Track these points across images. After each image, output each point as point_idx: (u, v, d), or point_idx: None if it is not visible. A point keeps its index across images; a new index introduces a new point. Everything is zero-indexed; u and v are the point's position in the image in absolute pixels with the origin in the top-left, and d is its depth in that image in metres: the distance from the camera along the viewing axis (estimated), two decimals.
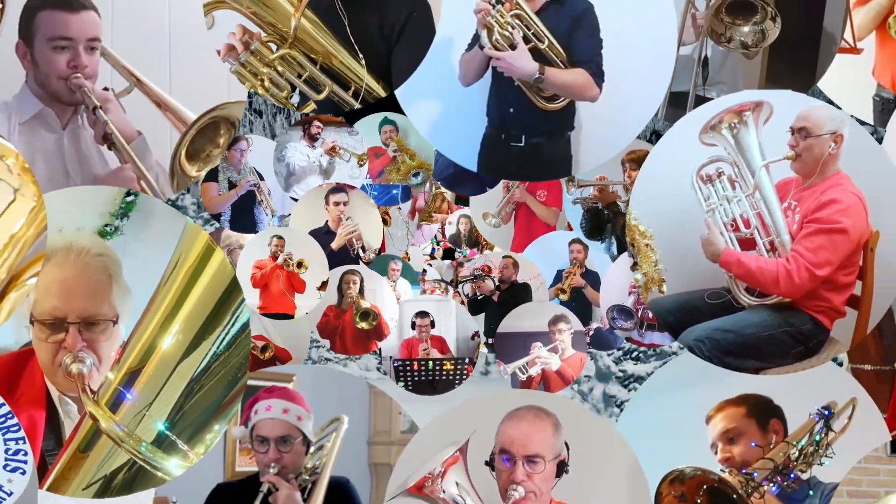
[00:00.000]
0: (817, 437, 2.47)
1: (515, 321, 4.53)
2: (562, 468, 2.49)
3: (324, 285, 4.35)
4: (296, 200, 4.42)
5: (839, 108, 2.60)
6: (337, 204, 4.61)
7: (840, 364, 2.64)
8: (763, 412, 2.59)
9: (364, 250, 4.73)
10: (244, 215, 4.19)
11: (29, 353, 2.41)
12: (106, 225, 2.48)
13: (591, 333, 4.63)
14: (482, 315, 5.06)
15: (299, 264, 4.24)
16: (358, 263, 4.62)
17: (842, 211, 2.45)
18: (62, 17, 2.57)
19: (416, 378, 4.47)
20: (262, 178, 4.17)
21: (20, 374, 2.40)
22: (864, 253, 2.47)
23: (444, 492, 2.44)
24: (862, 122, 2.67)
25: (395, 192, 4.67)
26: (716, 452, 2.55)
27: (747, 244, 2.52)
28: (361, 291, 4.66)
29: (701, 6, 2.61)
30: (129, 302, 2.40)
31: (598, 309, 4.51)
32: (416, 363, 4.54)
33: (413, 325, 4.66)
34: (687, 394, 2.60)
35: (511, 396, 2.81)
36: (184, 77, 2.64)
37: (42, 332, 2.36)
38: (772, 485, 2.45)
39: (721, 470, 2.48)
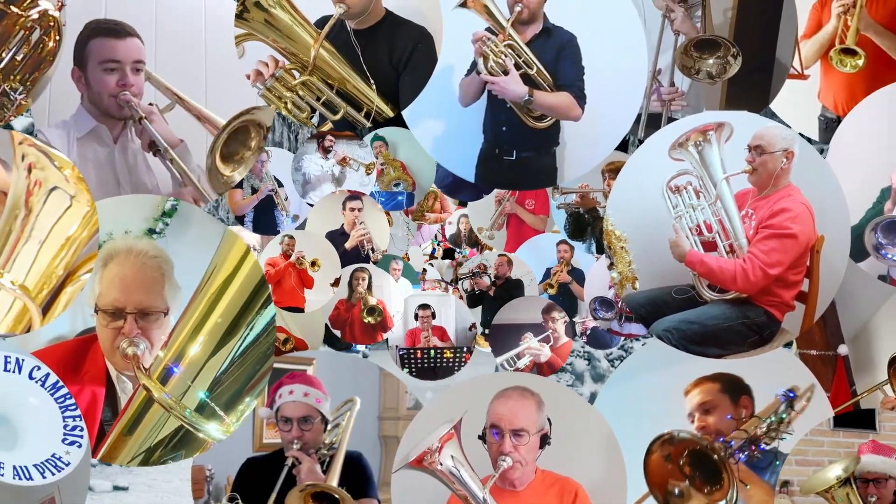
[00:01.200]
0: (783, 416, 2.70)
1: (509, 313, 4.80)
2: (545, 440, 2.72)
3: (337, 282, 4.65)
4: (311, 205, 4.69)
5: (789, 127, 2.83)
6: (353, 210, 4.95)
7: (790, 350, 2.89)
8: (735, 389, 2.79)
9: (373, 251, 5.04)
10: (265, 217, 4.49)
11: (92, 338, 2.68)
12: (149, 228, 2.74)
13: (587, 332, 4.90)
14: (479, 308, 5.36)
15: (313, 263, 4.53)
16: (369, 262, 4.93)
17: (792, 218, 2.68)
18: (111, 44, 2.80)
19: (420, 365, 4.77)
20: (280, 185, 4.46)
21: (85, 355, 2.69)
22: (811, 255, 2.70)
23: (441, 464, 2.63)
24: (808, 140, 2.89)
25: (400, 198, 4.96)
26: (692, 421, 2.78)
27: (709, 247, 2.73)
28: (370, 287, 4.95)
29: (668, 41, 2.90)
30: (178, 297, 2.67)
31: (583, 302, 4.80)
32: (419, 351, 4.84)
33: (416, 317, 4.95)
34: (657, 376, 2.83)
35: (501, 378, 3.01)
36: (218, 99, 2.85)
37: (104, 319, 2.64)
38: (741, 454, 2.65)
39: (688, 433, 2.66)
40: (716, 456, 2.54)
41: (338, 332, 4.81)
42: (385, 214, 5.20)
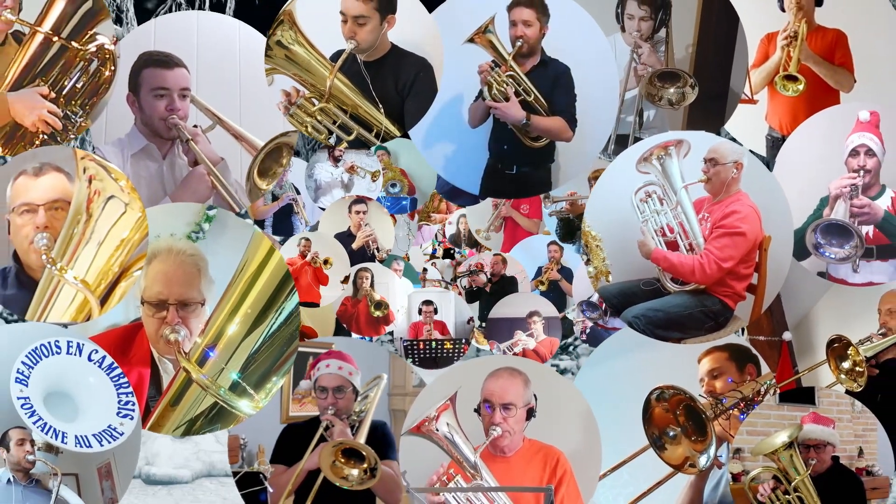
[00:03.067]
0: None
1: (504, 308, 5.12)
2: (531, 413, 3.04)
3: (346, 279, 5.01)
4: (323, 209, 5.05)
5: (741, 144, 3.20)
6: (358, 212, 5.32)
7: (740, 335, 3.26)
8: (742, 358, 3.13)
9: (378, 250, 5.39)
10: (284, 222, 4.86)
11: (138, 326, 3.06)
12: (192, 232, 3.13)
13: (587, 332, 5.23)
14: (476, 304, 5.69)
15: (325, 261, 4.92)
16: (374, 261, 5.28)
17: (741, 219, 3.06)
18: (161, 73, 3.17)
19: (422, 355, 5.11)
20: (298, 193, 4.85)
21: (132, 341, 3.06)
22: (759, 252, 3.08)
23: (437, 430, 2.96)
24: (757, 155, 3.26)
25: (404, 203, 5.31)
26: (702, 385, 3.12)
27: (672, 245, 3.11)
28: (372, 284, 5.29)
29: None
30: (213, 290, 3.03)
31: (571, 298, 5.17)
32: (421, 343, 5.18)
33: (420, 311, 5.30)
34: (626, 357, 3.21)
35: (493, 360, 3.38)
36: (251, 121, 3.22)
37: (149, 310, 3.01)
38: (740, 413, 3.01)
39: (700, 395, 3.05)
40: (703, 414, 2.88)
41: (345, 326, 5.17)
42: (390, 217, 5.55)
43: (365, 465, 2.81)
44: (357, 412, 3.10)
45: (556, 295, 5.15)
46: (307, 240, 5.00)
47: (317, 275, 4.91)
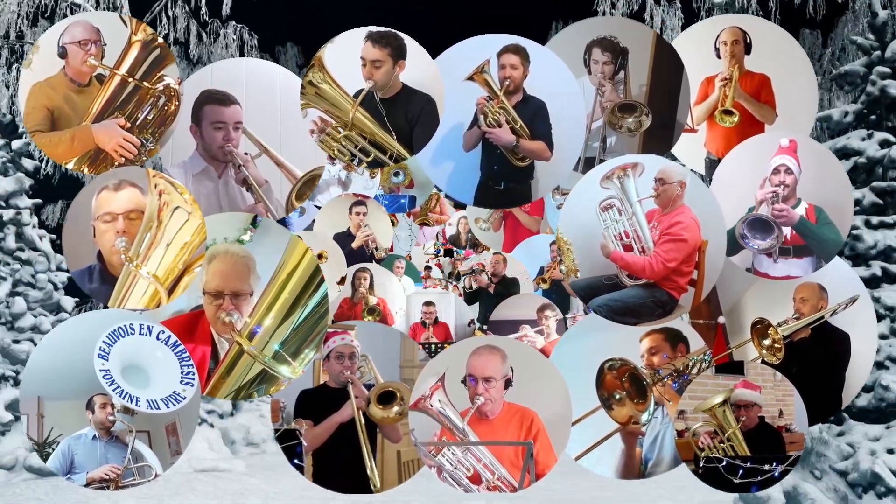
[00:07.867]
0: (706, 358, 3.71)
1: (507, 310, 5.47)
2: (508, 384, 3.62)
3: (342, 280, 5.41)
4: (318, 207, 5.47)
5: (684, 165, 3.85)
6: (358, 214, 5.67)
7: (683, 319, 3.88)
8: (675, 339, 3.72)
9: (377, 249, 5.72)
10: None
11: (201, 312, 3.70)
12: (240, 236, 3.78)
13: None
14: (476, 305, 6.01)
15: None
16: (373, 261, 5.60)
17: (684, 228, 3.67)
18: (219, 109, 3.81)
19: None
20: None
21: (197, 324, 3.70)
22: (698, 254, 3.68)
23: (432, 406, 3.54)
24: (698, 174, 3.87)
25: (402, 201, 5.71)
26: (643, 360, 3.70)
27: (628, 248, 3.69)
28: (371, 287, 5.64)
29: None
30: (259, 283, 3.67)
31: (574, 298, 5.47)
32: (420, 345, 5.50)
33: (421, 313, 5.67)
34: (592, 337, 3.80)
35: (476, 340, 3.94)
36: (289, 147, 3.86)
37: (209, 299, 3.66)
38: (672, 382, 3.62)
39: (641, 367, 3.66)
40: (644, 381, 3.53)
41: None
42: (390, 217, 5.83)
43: (398, 399, 3.55)
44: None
45: (559, 295, 5.48)
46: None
47: None
